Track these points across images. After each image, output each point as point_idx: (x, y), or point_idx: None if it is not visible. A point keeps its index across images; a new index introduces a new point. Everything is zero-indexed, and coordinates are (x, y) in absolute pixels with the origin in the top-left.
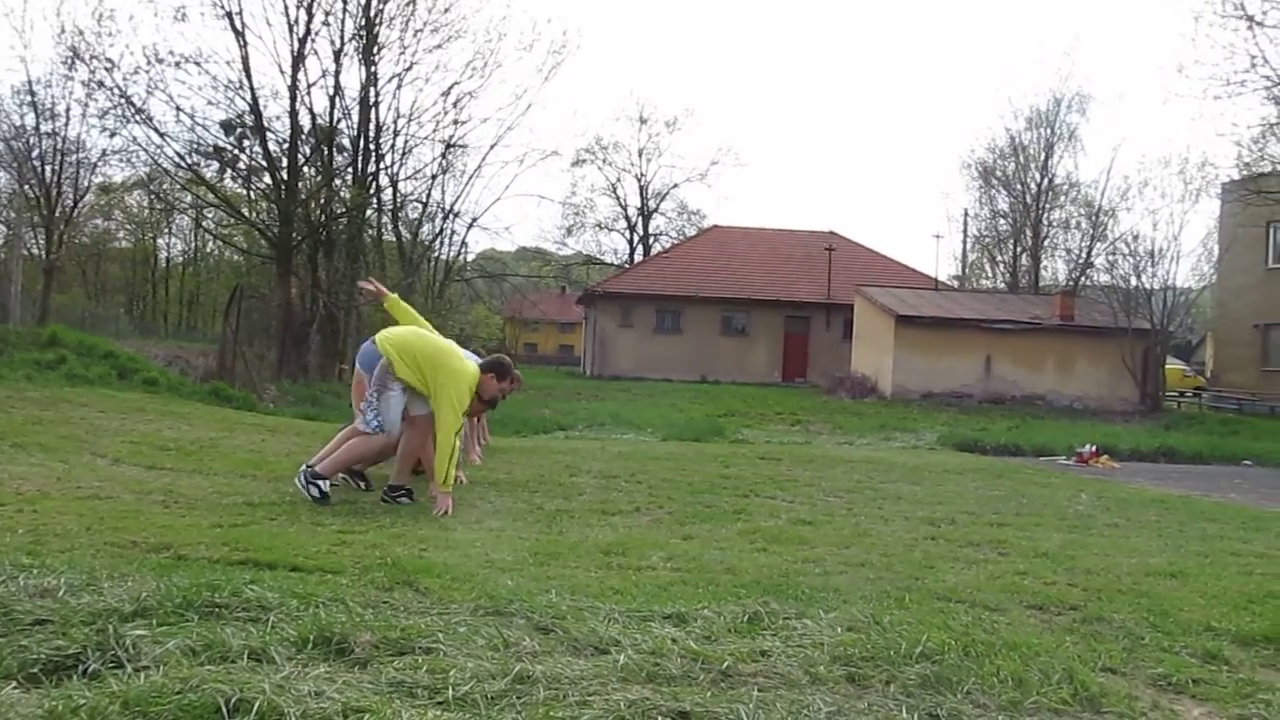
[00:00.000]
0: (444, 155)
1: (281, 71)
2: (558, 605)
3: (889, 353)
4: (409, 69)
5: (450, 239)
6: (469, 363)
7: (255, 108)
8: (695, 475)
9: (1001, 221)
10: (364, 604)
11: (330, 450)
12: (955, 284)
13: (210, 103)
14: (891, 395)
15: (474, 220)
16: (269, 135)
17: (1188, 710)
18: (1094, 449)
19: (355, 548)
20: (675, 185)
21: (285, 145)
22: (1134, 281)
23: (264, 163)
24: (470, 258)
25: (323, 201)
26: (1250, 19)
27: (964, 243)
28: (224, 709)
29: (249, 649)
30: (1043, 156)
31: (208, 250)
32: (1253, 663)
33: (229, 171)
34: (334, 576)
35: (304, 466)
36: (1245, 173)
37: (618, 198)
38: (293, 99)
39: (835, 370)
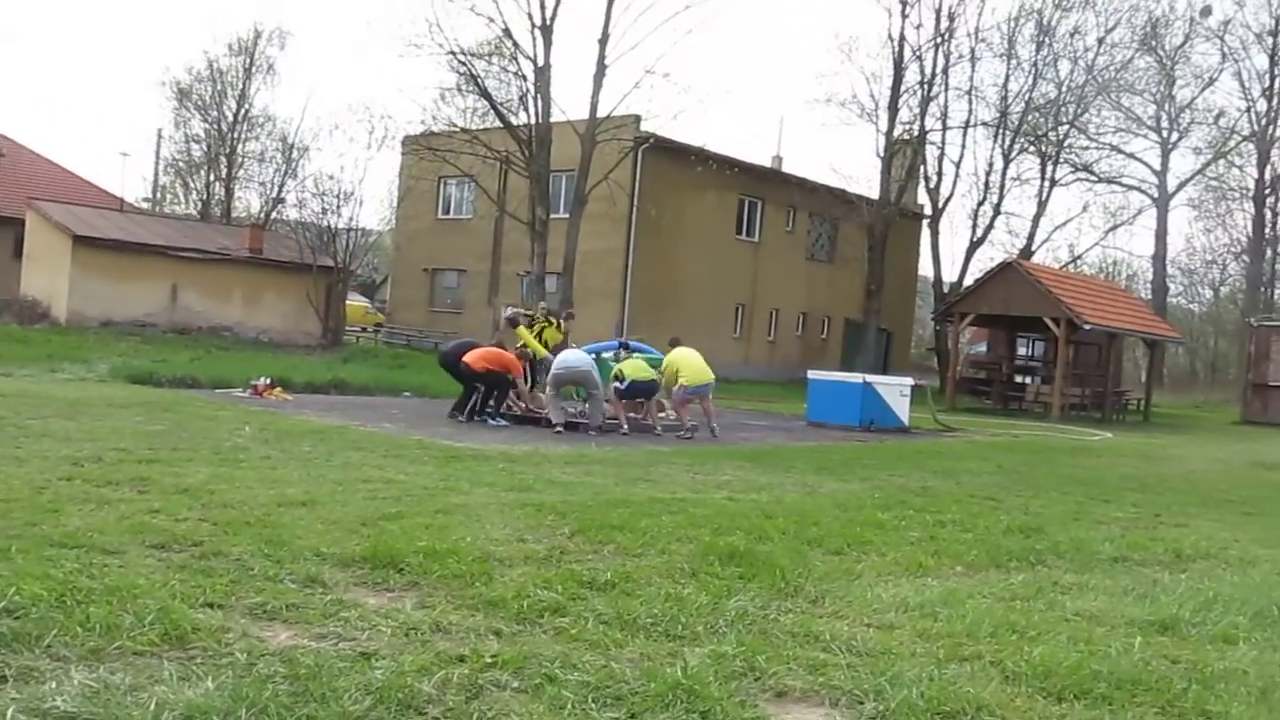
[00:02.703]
0: None
1: None
2: None
3: (64, 275)
4: None
5: None
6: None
7: None
8: None
9: (196, 147)
10: None
11: None
12: (146, 207)
13: None
14: (67, 322)
15: None
16: None
17: (276, 635)
18: (268, 381)
19: None
20: None
21: None
22: (323, 220)
23: None
24: None
25: None
26: None
27: (156, 165)
28: None
29: None
30: (241, 86)
31: None
32: (347, 583)
33: None
34: None
35: None
36: (423, 129)
37: None
38: None
39: (2, 292)
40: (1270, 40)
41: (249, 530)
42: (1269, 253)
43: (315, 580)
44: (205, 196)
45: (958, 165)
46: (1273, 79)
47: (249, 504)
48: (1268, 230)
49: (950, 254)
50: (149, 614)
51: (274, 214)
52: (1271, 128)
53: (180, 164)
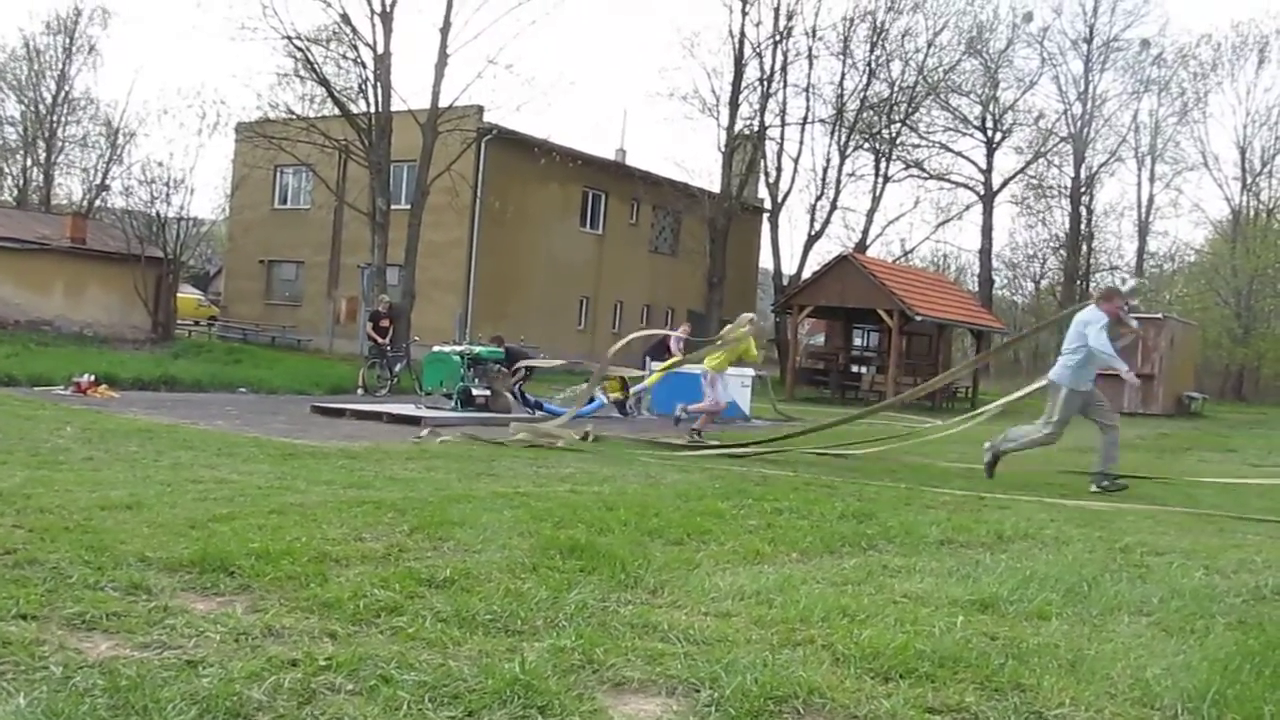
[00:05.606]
0: None
1: None
2: None
3: None
4: None
5: None
6: None
7: None
8: None
9: (11, 130)
10: None
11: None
12: None
13: None
14: None
15: None
16: None
17: (96, 646)
18: (92, 378)
19: None
20: None
21: None
22: (152, 209)
23: None
24: None
25: None
26: None
27: None
28: None
29: None
30: (61, 66)
31: None
32: (174, 589)
33: None
34: None
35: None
36: (258, 116)
37: None
38: None
39: None
40: (1085, 47)
41: (68, 536)
42: (1084, 248)
43: (139, 587)
44: (22, 182)
45: (796, 161)
46: (1087, 83)
47: (68, 508)
48: (1083, 226)
49: (789, 247)
50: None
51: (98, 202)
52: (1086, 129)
53: None
